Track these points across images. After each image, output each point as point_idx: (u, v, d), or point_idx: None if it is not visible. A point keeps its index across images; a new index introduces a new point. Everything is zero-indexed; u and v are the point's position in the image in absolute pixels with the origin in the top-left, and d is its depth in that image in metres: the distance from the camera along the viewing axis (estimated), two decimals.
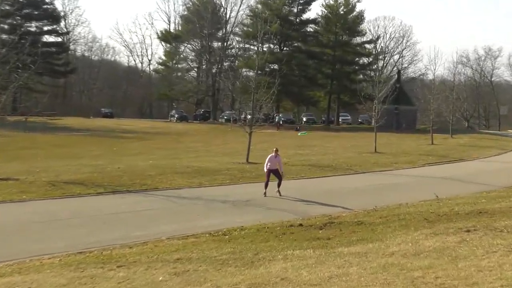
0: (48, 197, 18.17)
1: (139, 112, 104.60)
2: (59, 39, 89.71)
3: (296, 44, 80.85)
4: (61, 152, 38.50)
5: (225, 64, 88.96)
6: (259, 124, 31.64)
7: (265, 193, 19.22)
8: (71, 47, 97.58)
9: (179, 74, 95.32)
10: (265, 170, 19.80)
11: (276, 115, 64.47)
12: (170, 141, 49.79)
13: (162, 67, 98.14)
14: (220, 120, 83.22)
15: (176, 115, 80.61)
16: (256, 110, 32.73)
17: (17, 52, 27.30)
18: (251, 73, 72.26)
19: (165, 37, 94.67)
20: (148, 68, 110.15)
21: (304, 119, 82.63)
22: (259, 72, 35.82)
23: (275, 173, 19.55)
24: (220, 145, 46.25)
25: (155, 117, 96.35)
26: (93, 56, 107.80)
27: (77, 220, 14.92)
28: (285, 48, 79.85)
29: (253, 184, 22.49)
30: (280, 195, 19.01)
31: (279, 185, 19.40)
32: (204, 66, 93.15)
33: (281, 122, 70.42)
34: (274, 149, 19.71)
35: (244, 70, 76.58)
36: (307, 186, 22.60)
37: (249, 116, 37.16)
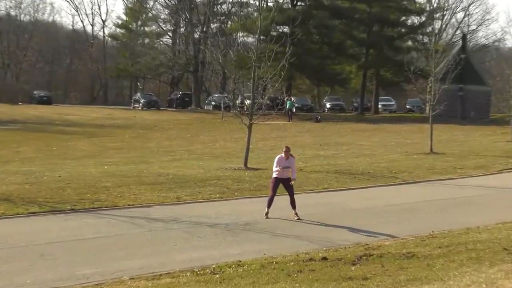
0: None
1: (89, 96, 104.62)
2: None
3: None
4: None
5: (212, 26, 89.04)
6: (262, 112, 31.64)
7: (267, 214, 19.18)
8: None
9: (147, 41, 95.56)
10: (272, 178, 19.76)
11: (287, 100, 64.33)
12: (134, 138, 49.79)
13: (122, 31, 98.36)
14: (206, 107, 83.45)
15: (142, 100, 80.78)
16: (259, 92, 32.68)
17: None
18: (250, 39, 72.32)
19: None
20: (101, 33, 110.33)
21: (328, 105, 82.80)
22: (262, 37, 35.78)
23: (286, 185, 19.49)
24: (206, 143, 46.33)
25: (111, 103, 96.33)
26: (22, 16, 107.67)
27: (1, 252, 14.85)
28: (299, 3, 79.81)
29: (254, 200, 22.45)
30: (299, 219, 18.97)
31: (293, 204, 19.27)
32: (182, 30, 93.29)
33: (294, 110, 70.42)
34: (284, 148, 19.60)
35: (240, 35, 76.47)
36: (332, 201, 22.57)
37: (248, 102, 37.17)
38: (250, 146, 31.88)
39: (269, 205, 19.24)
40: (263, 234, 17.09)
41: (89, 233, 16.79)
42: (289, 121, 64.68)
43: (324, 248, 15.28)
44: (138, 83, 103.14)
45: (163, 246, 15.68)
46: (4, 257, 14.36)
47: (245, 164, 30.48)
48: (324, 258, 13.76)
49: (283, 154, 19.35)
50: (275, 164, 19.45)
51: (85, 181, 24.99)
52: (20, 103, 79.48)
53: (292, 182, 19.32)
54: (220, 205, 21.66)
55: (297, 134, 52.33)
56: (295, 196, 19.58)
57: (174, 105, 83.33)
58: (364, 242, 15.93)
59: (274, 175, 19.47)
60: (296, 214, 19.11)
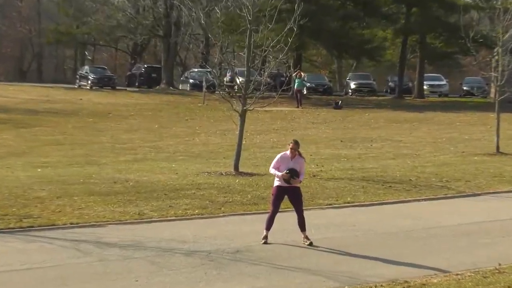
0: None
1: (18, 70, 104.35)
2: None
3: None
4: None
5: None
6: (261, 94, 31.63)
7: (265, 237, 19.05)
8: None
9: None
10: (273, 187, 19.60)
11: (296, 77, 64.11)
12: (79, 129, 49.91)
13: None
14: (181, 86, 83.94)
15: (92, 76, 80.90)
16: (256, 66, 32.59)
17: None
18: None
19: None
20: None
21: (353, 85, 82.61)
22: None
23: (292, 198, 19.28)
24: (181, 137, 46.45)
25: (49, 79, 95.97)
26: None
27: None
28: None
29: (248, 218, 22.49)
30: (311, 244, 18.87)
31: (302, 225, 19.14)
32: None
33: (304, 91, 70.61)
34: (291, 143, 19.28)
35: None
36: (358, 221, 22.44)
37: (240, 79, 37.12)
38: (244, 142, 31.93)
39: (268, 226, 19.10)
40: (260, 266, 17.00)
41: (17, 263, 16.66)
42: (298, 107, 64.80)
43: (347, 287, 15.28)
44: (86, 52, 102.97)
45: (120, 281, 15.58)
46: None
47: (236, 167, 30.48)
48: None
49: (288, 152, 19.15)
50: (273, 164, 19.23)
51: (10, 190, 24.96)
52: None
53: (297, 182, 19.15)
54: (200, 224, 21.55)
55: (308, 126, 52.49)
56: (306, 213, 19.51)
57: (137, 83, 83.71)
58: (403, 279, 15.81)
59: (276, 183, 19.28)
60: (307, 237, 19.00)
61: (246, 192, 26.13)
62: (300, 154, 19.28)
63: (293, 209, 19.39)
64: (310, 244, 18.88)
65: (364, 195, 26.43)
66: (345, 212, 23.92)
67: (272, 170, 19.27)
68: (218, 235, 20.03)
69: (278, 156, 19.35)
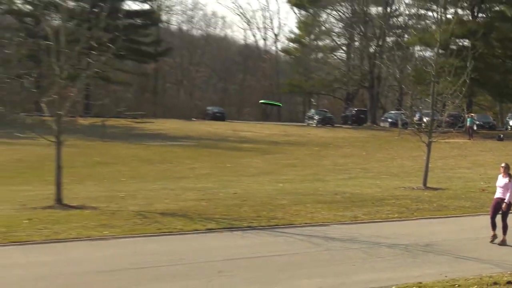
0: (138, 234, 18.61)
1: (262, 113, 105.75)
2: (146, 7, 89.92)
3: (497, 8, 78.45)
4: (153, 169, 39.88)
5: (388, 40, 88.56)
6: (441, 130, 31.52)
7: (492, 237, 18.63)
8: (163, 17, 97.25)
9: (320, 55, 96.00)
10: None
11: (468, 117, 62.76)
12: (308, 155, 50.28)
13: (295, 46, 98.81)
14: (382, 124, 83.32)
15: (316, 117, 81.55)
16: (438, 109, 32.38)
17: (89, 26, 27.58)
18: (428, 53, 71.48)
19: None
20: (274, 48, 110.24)
21: None
22: (441, 51, 35.27)
23: (497, 206, 18.73)
24: (383, 161, 46.32)
25: (284, 119, 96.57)
26: (194, 31, 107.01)
27: (179, 268, 15.12)
28: (480, 15, 77.96)
29: (434, 221, 22.47)
30: (503, 242, 18.55)
31: (502, 228, 18.61)
32: (357, 44, 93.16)
33: (474, 127, 69.04)
34: (503, 166, 18.74)
35: (418, 48, 75.80)
36: None
37: (426, 119, 36.87)
38: (430, 165, 31.64)
39: (492, 227, 18.69)
40: (444, 256, 16.94)
41: (266, 251, 16.91)
42: (469, 139, 63.24)
43: (509, 272, 15.01)
44: (312, 99, 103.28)
45: (341, 266, 15.66)
46: (183, 273, 14.65)
47: (424, 184, 30.29)
48: (510, 283, 13.56)
49: (501, 172, 18.61)
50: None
51: (261, 199, 25.48)
52: (193, 119, 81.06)
53: (507, 203, 18.39)
54: (398, 225, 21.59)
55: (478, 153, 51.15)
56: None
57: (349, 122, 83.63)
58: None
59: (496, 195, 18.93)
60: (504, 240, 18.57)
61: (432, 202, 25.98)
62: (510, 174, 18.49)
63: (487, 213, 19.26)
64: (503, 242, 18.53)
65: None
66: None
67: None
68: (412, 233, 19.96)
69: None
